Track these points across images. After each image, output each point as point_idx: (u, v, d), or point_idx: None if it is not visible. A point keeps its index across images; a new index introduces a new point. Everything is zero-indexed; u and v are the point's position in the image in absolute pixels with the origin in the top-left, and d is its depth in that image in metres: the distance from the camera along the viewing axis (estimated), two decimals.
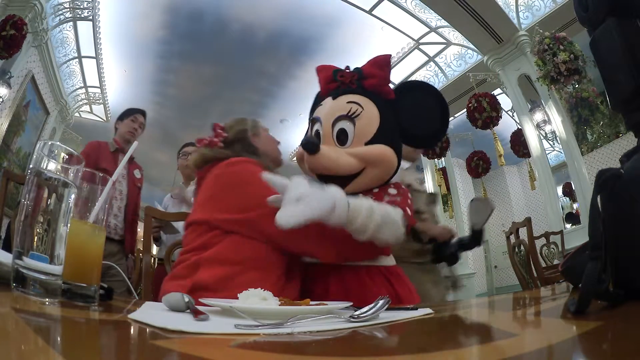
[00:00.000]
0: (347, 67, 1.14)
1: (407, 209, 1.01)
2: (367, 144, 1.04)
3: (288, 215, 0.78)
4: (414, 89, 1.15)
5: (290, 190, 0.81)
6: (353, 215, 0.87)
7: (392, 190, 1.06)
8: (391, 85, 1.15)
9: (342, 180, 1.03)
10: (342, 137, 1.05)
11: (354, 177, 1.04)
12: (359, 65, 1.15)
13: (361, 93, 1.09)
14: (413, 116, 1.11)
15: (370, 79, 1.10)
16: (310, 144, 1.02)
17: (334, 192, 0.85)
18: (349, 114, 1.05)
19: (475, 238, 1.69)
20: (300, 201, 0.80)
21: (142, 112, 2.57)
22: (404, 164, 1.73)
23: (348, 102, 1.07)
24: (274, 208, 0.84)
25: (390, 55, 1.13)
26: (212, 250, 0.97)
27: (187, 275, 0.94)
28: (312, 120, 1.16)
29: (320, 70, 1.20)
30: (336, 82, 1.13)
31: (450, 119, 6.55)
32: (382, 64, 1.11)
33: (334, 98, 1.11)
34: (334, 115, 1.07)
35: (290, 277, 1.02)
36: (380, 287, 1.02)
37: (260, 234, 0.97)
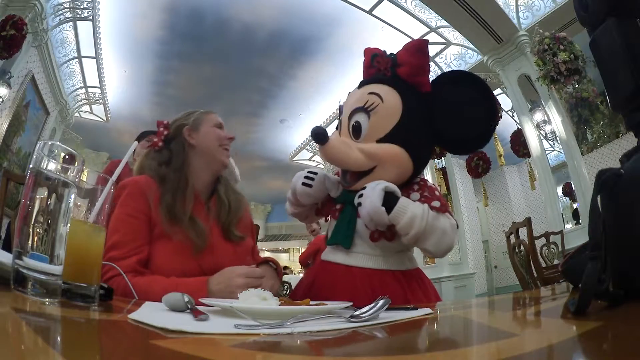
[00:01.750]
0: (384, 52, 1.07)
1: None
2: (379, 140, 0.98)
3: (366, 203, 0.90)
4: (457, 81, 1.02)
5: None
6: (397, 214, 0.90)
7: (415, 195, 0.99)
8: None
9: (355, 174, 1.01)
10: (356, 130, 1.01)
11: (365, 173, 0.99)
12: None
13: (392, 83, 1.01)
14: (449, 115, 0.99)
15: (402, 67, 1.02)
16: (316, 134, 0.98)
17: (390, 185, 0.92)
18: (365, 107, 0.99)
19: None
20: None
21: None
22: None
23: (369, 93, 1.00)
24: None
25: (427, 40, 1.04)
26: None
27: None
28: (339, 108, 1.11)
29: (365, 53, 1.13)
30: (374, 67, 1.07)
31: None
32: (414, 50, 1.02)
33: (359, 86, 1.07)
34: (352, 107, 1.02)
35: None
36: (389, 291, 0.95)
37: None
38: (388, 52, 1.06)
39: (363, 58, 1.12)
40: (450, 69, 5.61)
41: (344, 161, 1.00)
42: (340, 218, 1.04)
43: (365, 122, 0.99)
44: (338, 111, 1.12)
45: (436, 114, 1.00)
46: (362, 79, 1.11)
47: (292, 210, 1.18)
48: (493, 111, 1.00)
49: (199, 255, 0.98)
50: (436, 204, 0.95)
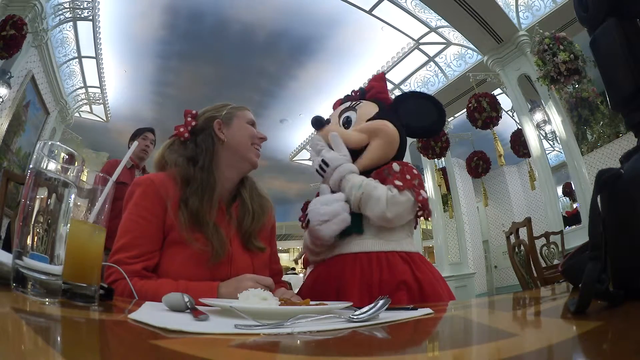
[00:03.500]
0: (353, 89, 1.36)
1: (412, 187, 1.10)
2: (368, 121, 1.20)
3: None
4: (410, 96, 1.35)
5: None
6: (345, 185, 1.10)
7: (396, 167, 1.13)
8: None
9: (353, 154, 1.16)
10: (347, 124, 1.23)
11: (359, 154, 1.16)
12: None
13: (365, 99, 1.29)
14: (411, 113, 1.27)
15: (369, 92, 1.30)
16: (316, 120, 1.23)
17: (348, 165, 1.12)
18: (351, 106, 1.26)
19: None
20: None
21: (151, 130, 2.81)
22: None
23: (351, 103, 1.28)
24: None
25: (384, 72, 1.41)
26: None
27: None
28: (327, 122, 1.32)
29: (335, 104, 1.40)
30: (346, 102, 1.32)
31: (447, 118, 6.62)
32: (377, 78, 1.33)
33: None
34: (339, 111, 1.28)
35: None
36: (400, 271, 1.04)
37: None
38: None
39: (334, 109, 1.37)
40: (450, 69, 5.61)
41: (345, 139, 1.17)
42: None
43: (353, 115, 1.23)
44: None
45: (401, 115, 1.26)
46: (358, 82, 1.35)
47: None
48: (439, 106, 1.29)
49: (215, 266, 0.92)
50: (398, 182, 1.10)
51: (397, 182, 1.08)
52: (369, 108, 1.23)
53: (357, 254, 1.08)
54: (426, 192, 1.14)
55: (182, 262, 0.91)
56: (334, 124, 1.25)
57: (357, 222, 1.11)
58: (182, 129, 1.04)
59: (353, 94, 1.32)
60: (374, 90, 1.28)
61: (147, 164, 2.68)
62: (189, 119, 1.06)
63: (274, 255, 1.17)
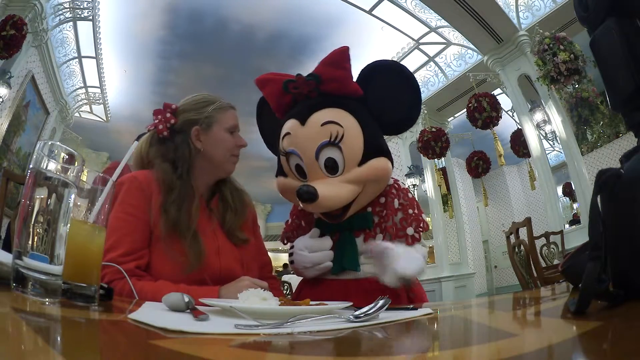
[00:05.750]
0: (299, 75, 0.98)
1: (422, 221, 1.03)
2: (360, 163, 0.97)
3: (411, 267, 0.88)
4: (377, 73, 1.04)
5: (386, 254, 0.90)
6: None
7: (396, 203, 1.03)
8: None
9: (344, 207, 0.99)
10: (331, 166, 0.97)
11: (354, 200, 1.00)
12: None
13: (331, 103, 0.97)
14: (384, 105, 1.02)
15: (331, 83, 0.97)
16: (308, 195, 0.92)
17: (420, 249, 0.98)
18: (333, 141, 0.94)
19: None
20: (406, 256, 0.90)
21: None
22: None
23: (323, 125, 0.95)
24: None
25: (347, 47, 0.98)
26: None
27: None
28: (286, 155, 1.03)
29: (264, 84, 1.04)
30: (290, 93, 1.00)
31: (447, 118, 6.50)
32: (342, 62, 0.97)
33: (301, 121, 0.98)
34: (314, 144, 0.96)
35: None
36: (398, 294, 1.00)
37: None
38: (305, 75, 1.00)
39: (262, 92, 1.07)
40: (450, 69, 5.61)
41: (340, 203, 0.97)
42: (339, 246, 1.03)
43: (339, 156, 0.96)
44: (283, 156, 1.04)
45: (373, 109, 1.02)
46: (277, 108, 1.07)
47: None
48: (414, 90, 1.04)
49: (205, 260, 0.93)
50: (410, 231, 1.00)
51: (414, 235, 1.00)
52: (355, 140, 0.96)
53: (359, 280, 1.02)
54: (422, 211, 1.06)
55: (169, 257, 0.91)
56: (311, 168, 0.99)
57: (356, 261, 1.01)
58: (160, 126, 1.00)
59: (302, 83, 0.98)
60: (338, 83, 0.97)
61: None
62: (168, 115, 1.01)
63: (260, 246, 1.16)
